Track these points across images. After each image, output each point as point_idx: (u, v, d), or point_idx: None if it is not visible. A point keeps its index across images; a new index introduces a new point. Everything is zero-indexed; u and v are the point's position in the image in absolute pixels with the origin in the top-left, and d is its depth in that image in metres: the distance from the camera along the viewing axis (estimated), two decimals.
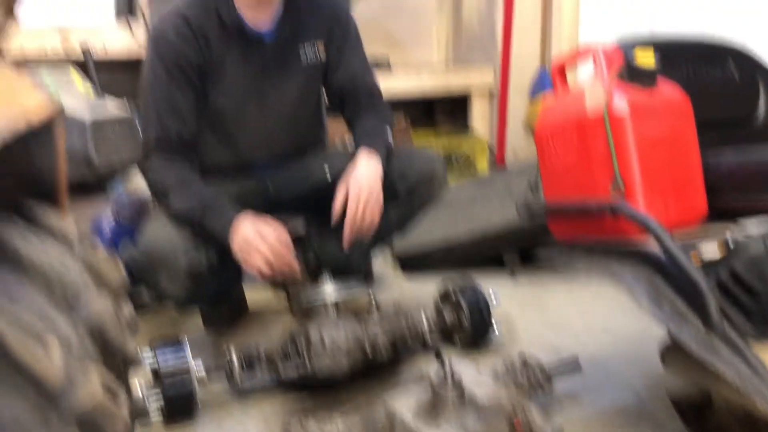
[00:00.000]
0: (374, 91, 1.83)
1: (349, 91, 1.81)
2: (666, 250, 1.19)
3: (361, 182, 1.61)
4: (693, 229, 1.38)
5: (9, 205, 0.62)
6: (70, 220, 0.69)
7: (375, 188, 1.62)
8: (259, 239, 1.51)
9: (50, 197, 0.71)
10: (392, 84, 3.32)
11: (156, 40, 1.65)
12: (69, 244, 0.65)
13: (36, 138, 0.63)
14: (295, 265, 1.55)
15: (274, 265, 1.51)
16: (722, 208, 1.42)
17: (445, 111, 4.03)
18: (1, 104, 0.57)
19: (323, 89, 1.87)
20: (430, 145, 3.57)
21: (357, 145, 1.72)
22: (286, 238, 1.55)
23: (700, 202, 1.40)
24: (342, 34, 1.79)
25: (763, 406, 0.99)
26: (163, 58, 1.63)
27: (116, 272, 0.70)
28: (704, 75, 1.64)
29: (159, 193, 1.65)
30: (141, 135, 1.75)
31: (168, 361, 1.40)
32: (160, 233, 1.58)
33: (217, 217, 1.56)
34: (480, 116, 3.63)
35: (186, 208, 1.58)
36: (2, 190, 0.56)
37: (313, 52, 1.76)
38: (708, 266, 1.23)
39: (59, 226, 0.66)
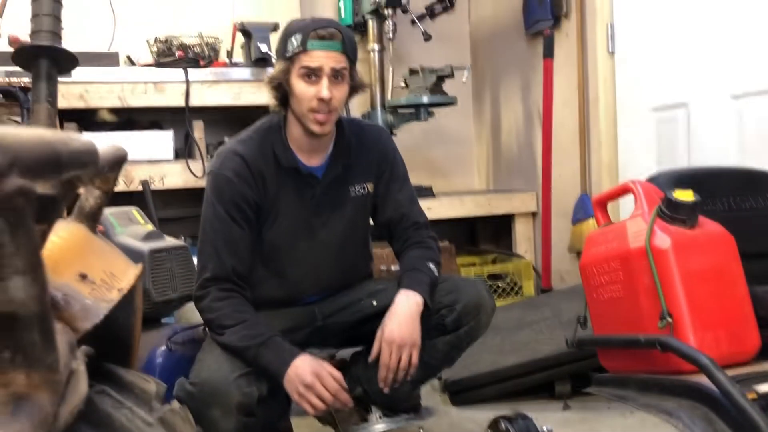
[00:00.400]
0: (420, 224, 1.89)
1: (396, 225, 1.88)
2: (720, 387, 1.18)
3: (395, 328, 1.67)
4: (747, 363, 1.37)
5: (97, 369, 0.67)
6: (148, 378, 0.74)
7: (410, 331, 1.67)
8: (317, 383, 1.58)
9: (127, 352, 0.77)
10: (435, 210, 3.41)
11: (215, 179, 1.75)
12: (149, 404, 0.69)
13: (121, 302, 0.70)
14: (350, 402, 1.61)
15: (329, 404, 1.55)
16: None
17: (489, 233, 4.09)
18: (101, 280, 0.64)
19: (371, 221, 1.95)
20: (473, 264, 3.60)
21: (400, 282, 1.77)
22: (340, 377, 1.61)
23: (752, 335, 1.39)
24: (390, 172, 1.88)
25: None
26: (222, 197, 1.72)
27: (188, 425, 0.74)
28: (745, 206, 1.67)
29: (214, 327, 1.71)
30: (197, 270, 1.81)
31: None
32: (213, 369, 1.61)
33: (273, 357, 1.61)
34: (524, 239, 3.67)
35: (242, 346, 1.63)
36: (95, 357, 0.61)
37: (362, 188, 1.85)
38: (764, 400, 1.21)
39: (140, 385, 0.71)
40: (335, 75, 1.67)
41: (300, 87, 1.67)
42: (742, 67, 2.50)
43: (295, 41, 1.66)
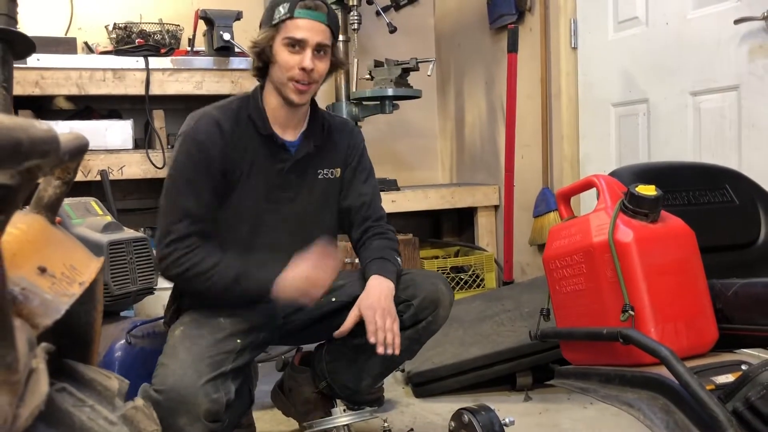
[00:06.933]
0: (381, 216, 1.89)
1: (356, 213, 1.86)
2: (680, 378, 1.21)
3: (373, 300, 1.65)
4: (705, 355, 1.40)
5: (57, 365, 0.65)
6: (110, 375, 0.72)
7: (388, 304, 1.66)
8: (317, 272, 1.62)
9: (87, 347, 0.74)
10: (400, 203, 3.41)
11: (185, 138, 1.70)
12: (111, 402, 0.67)
13: (82, 296, 0.67)
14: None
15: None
16: (731, 334, 1.43)
17: (452, 226, 4.11)
18: (61, 273, 0.61)
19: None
20: (436, 257, 3.62)
21: (367, 268, 1.75)
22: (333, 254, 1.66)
23: (710, 328, 1.42)
24: (357, 162, 1.88)
25: None
26: (191, 159, 1.67)
27: (152, 422, 0.72)
28: (703, 200, 1.70)
29: (190, 277, 1.65)
30: (159, 232, 1.69)
31: None
32: (178, 375, 1.55)
33: (255, 284, 1.65)
34: (486, 231, 3.70)
35: (223, 288, 1.64)
36: (55, 353, 0.59)
37: (330, 173, 1.85)
38: (722, 391, 1.23)
39: (102, 382, 0.68)
40: (318, 49, 1.70)
41: (283, 55, 1.69)
42: (700, 65, 2.55)
43: (282, 9, 1.69)
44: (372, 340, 1.62)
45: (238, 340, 1.68)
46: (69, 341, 0.71)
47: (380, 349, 1.62)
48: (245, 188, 1.75)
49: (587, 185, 1.61)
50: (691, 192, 1.72)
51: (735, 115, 2.43)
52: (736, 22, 2.34)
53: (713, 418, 1.14)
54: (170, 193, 1.69)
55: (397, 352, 1.63)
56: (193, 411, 1.52)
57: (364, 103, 3.39)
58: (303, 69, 1.68)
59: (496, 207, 3.69)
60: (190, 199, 1.66)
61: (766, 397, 1.17)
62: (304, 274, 1.62)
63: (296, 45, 1.68)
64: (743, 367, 1.29)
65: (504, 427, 1.73)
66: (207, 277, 1.63)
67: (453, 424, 1.79)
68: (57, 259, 0.64)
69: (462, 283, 3.41)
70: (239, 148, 1.72)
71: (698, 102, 2.59)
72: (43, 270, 0.59)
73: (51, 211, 0.74)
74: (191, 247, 1.65)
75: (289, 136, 1.79)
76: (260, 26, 1.76)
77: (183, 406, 1.52)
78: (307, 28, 1.68)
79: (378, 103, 3.34)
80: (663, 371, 1.26)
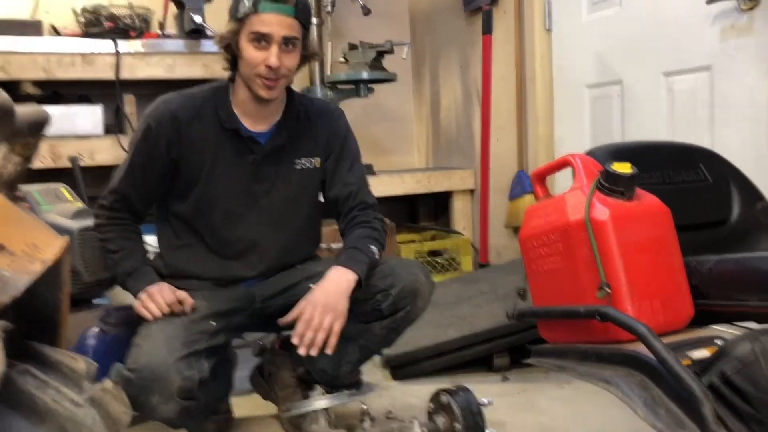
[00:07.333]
0: (368, 205, 1.86)
1: (343, 203, 1.84)
2: (657, 354, 1.21)
3: (320, 295, 1.63)
4: (681, 331, 1.41)
5: (21, 347, 0.63)
6: (77, 357, 0.70)
7: (335, 301, 1.62)
8: (157, 294, 1.66)
9: (54, 331, 0.72)
10: (376, 188, 3.39)
11: (142, 120, 1.76)
12: (78, 384, 0.65)
13: (44, 275, 0.65)
14: (187, 298, 1.67)
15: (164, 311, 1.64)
16: (707, 311, 1.44)
17: (428, 210, 4.11)
18: (21, 251, 0.59)
19: (321, 198, 1.91)
20: (413, 241, 3.61)
21: (337, 259, 1.74)
22: (185, 296, 1.68)
23: (686, 304, 1.43)
24: (340, 150, 1.84)
25: None
26: (139, 137, 1.74)
27: (121, 404, 0.70)
28: (678, 179, 1.71)
29: (101, 241, 1.79)
30: (104, 193, 1.81)
31: None
32: (151, 353, 1.55)
33: (133, 283, 1.72)
34: (462, 215, 3.70)
35: (115, 273, 1.78)
36: (16, 333, 0.57)
37: (308, 162, 1.82)
38: (698, 366, 1.24)
39: (68, 364, 0.66)
40: (286, 43, 1.65)
41: (249, 51, 1.65)
42: (673, 45, 2.55)
43: (247, 2, 1.63)
44: (294, 341, 1.61)
45: (212, 322, 1.68)
46: (34, 322, 0.69)
47: (302, 351, 1.60)
48: (211, 180, 1.74)
49: (563, 164, 1.60)
50: (666, 171, 1.73)
51: (707, 95, 2.45)
52: (709, 2, 2.34)
53: (690, 393, 1.15)
54: (121, 164, 1.78)
55: (318, 351, 1.60)
56: (165, 388, 1.52)
57: (339, 86, 3.36)
58: (269, 66, 1.63)
59: (472, 191, 3.69)
60: (125, 178, 1.74)
61: (742, 371, 1.18)
62: (149, 289, 1.68)
63: (261, 40, 1.63)
64: (718, 342, 1.30)
65: (482, 408, 1.73)
66: (109, 256, 1.76)
67: (432, 405, 1.78)
68: (17, 236, 0.62)
69: (438, 266, 3.41)
70: (198, 140, 1.72)
71: (671, 83, 2.60)
72: (1, 247, 0.57)
73: (11, 188, 0.72)
74: (111, 219, 1.76)
75: (261, 127, 1.77)
76: (229, 15, 1.71)
77: (156, 384, 1.51)
78: (272, 22, 1.62)
79: (353, 87, 3.31)
80: (640, 348, 1.26)
